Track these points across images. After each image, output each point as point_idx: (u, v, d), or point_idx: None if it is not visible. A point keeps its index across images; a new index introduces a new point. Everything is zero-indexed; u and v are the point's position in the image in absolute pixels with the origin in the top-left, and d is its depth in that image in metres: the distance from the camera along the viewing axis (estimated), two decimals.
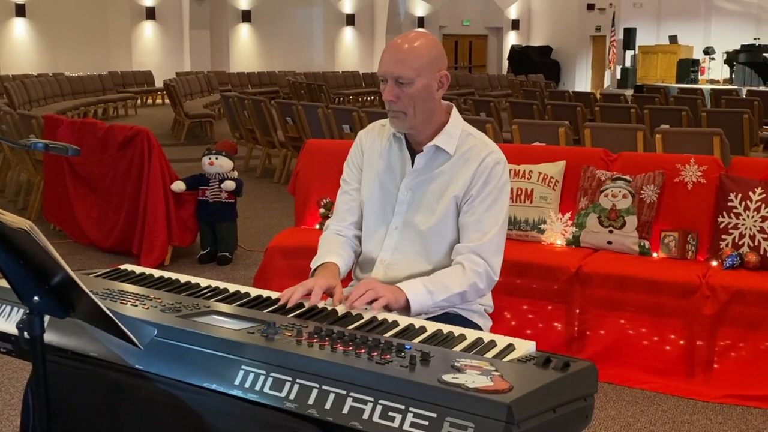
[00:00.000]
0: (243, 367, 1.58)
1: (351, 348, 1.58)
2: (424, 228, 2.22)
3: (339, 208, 2.38)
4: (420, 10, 25.72)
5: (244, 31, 23.45)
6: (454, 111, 2.27)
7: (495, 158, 2.21)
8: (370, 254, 2.30)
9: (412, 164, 2.24)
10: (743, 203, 3.57)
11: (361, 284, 2.03)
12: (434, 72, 2.14)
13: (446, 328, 1.82)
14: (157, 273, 2.22)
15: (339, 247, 2.29)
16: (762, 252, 3.51)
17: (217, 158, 5.38)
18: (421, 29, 22.80)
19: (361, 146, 2.36)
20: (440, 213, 2.21)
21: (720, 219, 3.63)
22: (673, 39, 22.60)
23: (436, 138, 2.21)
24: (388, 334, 1.76)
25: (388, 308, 2.02)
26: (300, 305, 1.98)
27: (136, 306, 1.85)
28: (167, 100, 15.43)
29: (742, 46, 20.26)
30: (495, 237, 2.18)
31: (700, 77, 21.11)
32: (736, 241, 3.56)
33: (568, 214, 3.93)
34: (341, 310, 1.97)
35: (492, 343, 1.71)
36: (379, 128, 2.36)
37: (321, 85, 16.11)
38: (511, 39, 27.70)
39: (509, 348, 1.69)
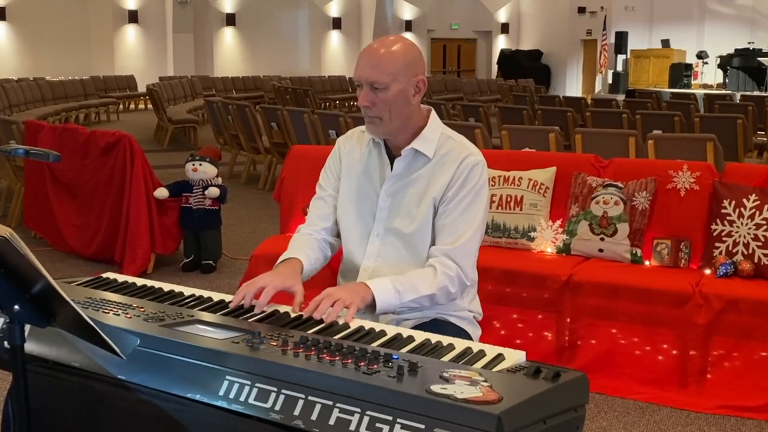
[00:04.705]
0: (227, 377, 1.56)
1: (337, 358, 1.57)
2: (405, 233, 2.21)
3: (311, 214, 2.37)
4: (407, 13, 25.71)
5: (228, 34, 23.39)
6: (433, 114, 2.25)
7: (473, 160, 2.19)
8: (353, 262, 2.28)
9: (392, 169, 2.23)
10: (737, 210, 3.55)
11: (325, 298, 1.95)
12: (410, 77, 2.12)
13: (434, 337, 1.81)
14: (139, 281, 2.19)
15: (307, 247, 2.27)
16: (756, 260, 3.48)
17: (200, 164, 5.35)
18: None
19: (340, 153, 2.35)
20: (421, 217, 2.19)
21: (713, 226, 3.61)
22: (665, 43, 22.61)
23: (414, 141, 2.20)
24: (375, 344, 1.74)
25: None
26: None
27: (119, 315, 1.82)
28: (150, 105, 15.34)
29: (735, 50, 20.30)
30: (468, 241, 2.16)
31: (693, 82, 21.12)
32: (730, 248, 3.54)
33: (558, 222, 3.90)
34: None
35: (481, 353, 1.70)
36: (358, 134, 2.34)
37: (307, 89, 16.08)
38: (501, 43, 27.68)
39: (499, 358, 1.67)
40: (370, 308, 2.04)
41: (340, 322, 1.89)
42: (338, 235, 2.35)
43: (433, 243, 2.20)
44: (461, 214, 2.16)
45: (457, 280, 2.14)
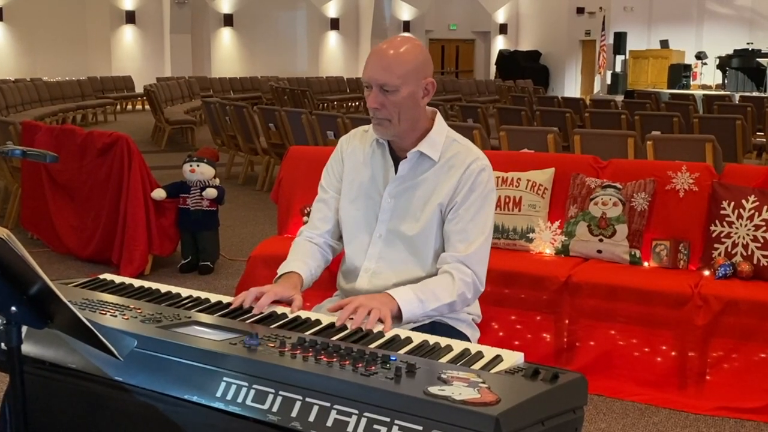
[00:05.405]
0: (225, 378, 1.56)
1: (335, 359, 1.56)
2: (408, 235, 2.20)
3: (313, 216, 2.36)
4: (406, 14, 25.70)
5: (225, 35, 23.38)
6: (439, 117, 2.25)
7: (480, 165, 2.19)
8: (354, 263, 2.27)
9: (396, 171, 2.22)
10: (736, 211, 3.54)
11: (360, 308, 1.93)
12: (420, 79, 2.12)
13: (432, 339, 1.80)
14: (137, 283, 2.19)
15: (307, 256, 2.26)
16: (755, 261, 3.47)
17: (198, 165, 5.34)
18: (407, 34, 22.77)
19: (342, 153, 2.34)
20: (425, 221, 2.19)
21: (712, 227, 3.59)
22: (664, 43, 22.57)
23: (420, 144, 2.19)
24: (372, 345, 1.74)
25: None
26: (280, 316, 1.96)
27: (116, 316, 1.82)
28: (147, 106, 15.33)
29: (734, 50, 20.28)
30: (481, 247, 2.17)
31: (692, 82, 21.08)
32: (729, 250, 3.53)
33: (557, 223, 3.89)
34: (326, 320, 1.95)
35: (479, 355, 1.70)
36: (361, 134, 2.33)
37: (304, 90, 16.07)
38: (499, 43, 27.65)
39: (497, 359, 1.67)
40: (396, 319, 2.03)
41: (350, 326, 1.88)
42: (340, 238, 2.34)
43: (437, 247, 2.20)
44: (471, 219, 2.16)
45: (473, 286, 2.15)
